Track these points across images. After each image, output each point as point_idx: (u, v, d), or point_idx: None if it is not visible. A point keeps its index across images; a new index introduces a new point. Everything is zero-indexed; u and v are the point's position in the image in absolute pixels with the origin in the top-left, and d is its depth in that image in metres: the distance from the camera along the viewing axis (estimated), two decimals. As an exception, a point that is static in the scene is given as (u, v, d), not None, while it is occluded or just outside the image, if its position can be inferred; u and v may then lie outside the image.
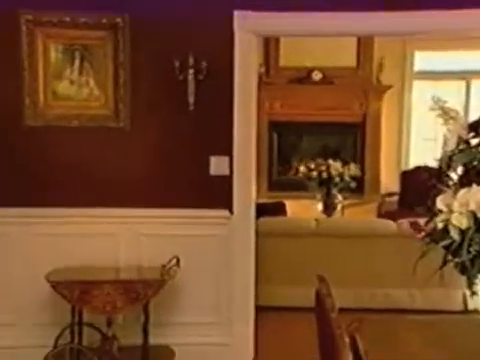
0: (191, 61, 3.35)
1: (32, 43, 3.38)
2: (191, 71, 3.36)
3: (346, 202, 6.24)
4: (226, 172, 3.52)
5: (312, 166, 6.00)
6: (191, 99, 3.40)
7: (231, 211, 3.52)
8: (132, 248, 3.50)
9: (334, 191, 5.97)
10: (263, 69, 7.19)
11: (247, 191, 3.54)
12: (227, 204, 3.51)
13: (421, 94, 7.40)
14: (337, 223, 5.16)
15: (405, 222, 3.89)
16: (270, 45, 7.23)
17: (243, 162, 3.51)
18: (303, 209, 6.11)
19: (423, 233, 1.58)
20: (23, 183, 3.52)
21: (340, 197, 6.04)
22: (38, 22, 3.37)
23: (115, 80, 3.42)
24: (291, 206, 5.86)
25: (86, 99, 3.47)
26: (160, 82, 3.45)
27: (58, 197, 3.50)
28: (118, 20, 3.36)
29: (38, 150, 3.51)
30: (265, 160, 7.49)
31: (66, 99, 3.47)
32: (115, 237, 3.49)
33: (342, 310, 1.73)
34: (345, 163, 6.09)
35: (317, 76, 7.37)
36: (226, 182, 3.52)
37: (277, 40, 7.14)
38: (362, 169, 6.92)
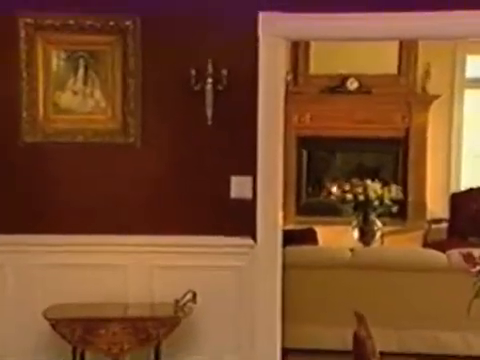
0: (210, 69, 3.38)
1: (31, 49, 3.45)
2: (209, 80, 3.39)
3: (386, 229, 6.20)
4: (249, 194, 3.53)
5: (347, 187, 5.97)
6: (209, 112, 3.43)
7: (254, 239, 3.52)
8: (142, 281, 3.51)
9: (372, 216, 5.93)
10: (291, 77, 7.23)
11: (273, 216, 3.54)
12: (250, 231, 3.52)
13: (474, 105, 7.35)
14: (376, 253, 5.10)
15: (456, 253, 3.84)
16: (299, 50, 7.28)
17: (268, 183, 3.52)
18: (336, 237, 6.08)
19: (478, 267, 1.56)
20: (19, 207, 3.57)
21: (379, 223, 5.99)
22: (38, 26, 3.43)
23: (124, 91, 3.47)
24: (323, 233, 5.82)
25: (91, 112, 3.52)
26: (174, 93, 3.49)
27: (58, 223, 3.54)
28: (128, 23, 3.41)
29: (36, 169, 3.56)
30: (293, 180, 7.49)
31: (69, 112, 3.52)
32: (123, 268, 3.51)
33: (384, 355, 1.71)
34: (385, 184, 6.06)
35: (352, 85, 7.39)
36: (249, 206, 3.52)
37: (307, 44, 7.19)
38: (405, 191, 6.88)
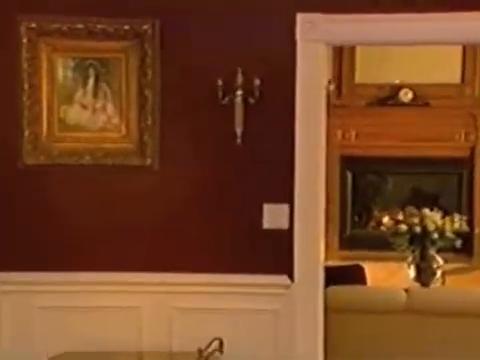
0: (239, 79, 3.41)
1: (34, 58, 3.50)
2: (239, 92, 3.42)
3: (448, 267, 6.14)
4: (284, 225, 3.53)
5: (400, 217, 5.95)
6: (239, 129, 3.45)
7: (291, 277, 3.51)
8: (160, 326, 3.52)
9: (431, 251, 5.89)
10: (333, 87, 7.25)
11: (313, 250, 3.54)
12: (286, 268, 3.51)
13: None
14: (436, 295, 5.06)
15: None
16: (343, 56, 7.31)
17: (307, 211, 3.52)
18: (388, 275, 6.05)
19: None
20: (17, 239, 3.60)
21: (440, 260, 5.95)
22: (43, 31, 3.48)
23: (140, 104, 3.51)
24: (372, 271, 5.80)
25: (102, 129, 3.56)
26: (198, 107, 3.52)
27: (63, 258, 3.57)
28: (145, 27, 3.46)
29: (38, 196, 3.60)
30: (336, 208, 7.48)
31: (76, 129, 3.56)
32: (138, 311, 3.52)
33: None
34: (446, 213, 6.02)
35: (406, 96, 7.40)
36: (284, 238, 3.53)
37: (352, 49, 7.21)
38: (470, 222, 6.82)
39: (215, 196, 3.57)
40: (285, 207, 3.52)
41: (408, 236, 5.88)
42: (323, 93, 3.66)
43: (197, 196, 3.58)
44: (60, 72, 3.55)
